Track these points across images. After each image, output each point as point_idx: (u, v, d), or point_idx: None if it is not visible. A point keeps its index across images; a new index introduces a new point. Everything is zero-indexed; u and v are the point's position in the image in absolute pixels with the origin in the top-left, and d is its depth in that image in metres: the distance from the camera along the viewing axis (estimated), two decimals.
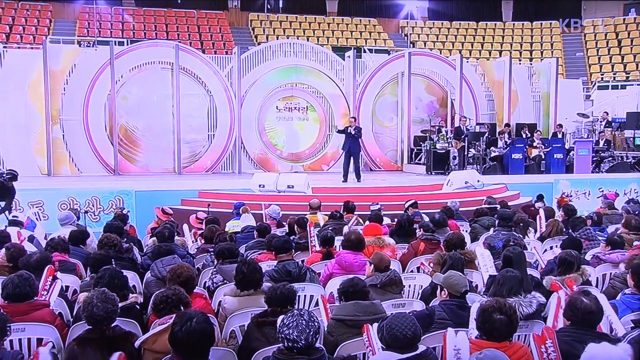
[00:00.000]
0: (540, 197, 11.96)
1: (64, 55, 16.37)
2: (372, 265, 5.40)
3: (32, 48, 19.86)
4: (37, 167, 15.90)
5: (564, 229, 8.06)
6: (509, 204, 11.02)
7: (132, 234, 8.71)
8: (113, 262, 5.64)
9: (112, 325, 3.95)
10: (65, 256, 6.25)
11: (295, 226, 8.03)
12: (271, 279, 5.50)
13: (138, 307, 4.88)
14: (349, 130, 14.46)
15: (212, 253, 6.66)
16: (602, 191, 14.04)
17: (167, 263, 5.48)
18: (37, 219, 10.28)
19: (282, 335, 3.44)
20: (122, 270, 4.96)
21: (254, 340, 4.07)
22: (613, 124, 18.56)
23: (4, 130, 15.71)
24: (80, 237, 7.02)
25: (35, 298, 4.55)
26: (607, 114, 19.12)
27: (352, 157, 14.62)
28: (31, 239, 7.55)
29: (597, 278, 6.10)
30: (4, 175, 10.64)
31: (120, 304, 4.29)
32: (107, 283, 4.47)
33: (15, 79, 15.85)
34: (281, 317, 3.56)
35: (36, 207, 11.78)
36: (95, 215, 12.37)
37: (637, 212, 9.20)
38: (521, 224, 8.20)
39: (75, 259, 6.38)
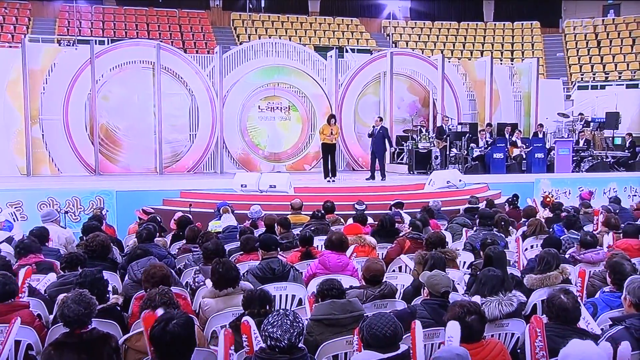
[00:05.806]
0: (515, 197, 11.33)
1: (43, 54, 16.19)
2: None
3: (10, 47, 19.60)
4: (17, 167, 15.72)
5: (547, 228, 8.14)
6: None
7: (111, 234, 8.62)
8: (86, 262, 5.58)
9: (90, 327, 3.89)
10: (40, 256, 6.18)
11: (277, 226, 8.02)
12: (255, 276, 5.48)
13: (119, 308, 4.83)
14: (373, 132, 14.58)
15: (194, 253, 6.63)
16: (582, 190, 14.16)
17: (142, 265, 5.41)
18: (14, 219, 10.14)
19: (266, 333, 3.43)
20: (102, 270, 4.90)
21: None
22: (592, 123, 18.72)
23: None
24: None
25: (14, 299, 4.49)
26: (583, 114, 19.28)
27: (376, 157, 14.68)
28: (9, 240, 7.47)
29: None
30: None
31: (100, 306, 4.24)
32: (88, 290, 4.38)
33: None
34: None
35: (15, 207, 11.64)
36: (75, 216, 12.25)
37: (617, 211, 9.29)
38: (502, 223, 8.23)
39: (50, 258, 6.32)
